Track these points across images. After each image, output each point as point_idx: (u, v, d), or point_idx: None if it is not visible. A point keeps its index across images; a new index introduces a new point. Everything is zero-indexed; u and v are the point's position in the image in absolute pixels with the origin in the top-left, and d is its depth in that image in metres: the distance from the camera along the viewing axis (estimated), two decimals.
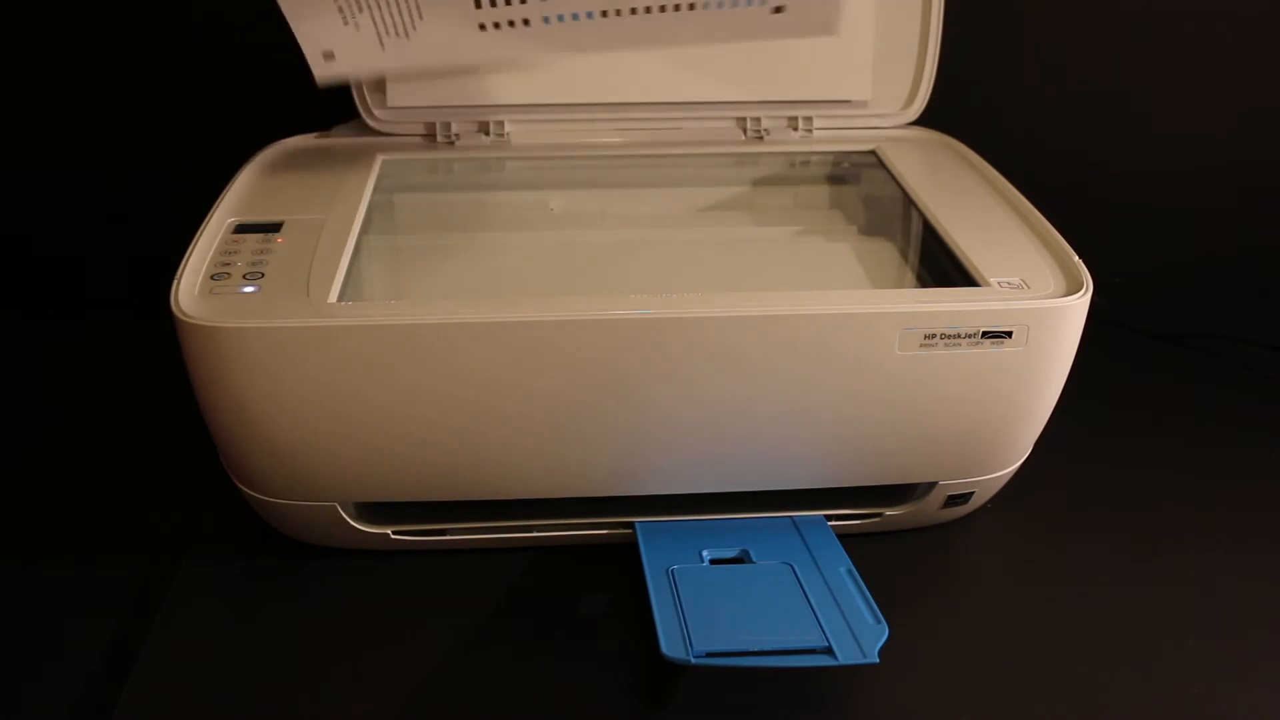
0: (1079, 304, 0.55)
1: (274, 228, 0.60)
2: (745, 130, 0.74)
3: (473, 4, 0.54)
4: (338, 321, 0.51)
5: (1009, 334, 0.54)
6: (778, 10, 0.53)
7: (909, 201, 0.62)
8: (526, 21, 0.54)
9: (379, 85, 0.70)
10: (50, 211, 0.94)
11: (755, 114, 0.75)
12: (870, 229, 0.58)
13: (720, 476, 0.59)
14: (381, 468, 0.56)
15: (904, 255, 0.56)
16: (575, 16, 0.53)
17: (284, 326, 0.51)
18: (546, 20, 0.54)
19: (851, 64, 0.74)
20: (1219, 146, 0.98)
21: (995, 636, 0.58)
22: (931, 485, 0.62)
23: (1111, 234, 0.95)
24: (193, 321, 0.52)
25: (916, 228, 0.59)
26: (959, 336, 0.54)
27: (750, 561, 0.58)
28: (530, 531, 0.62)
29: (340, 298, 0.54)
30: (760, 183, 0.66)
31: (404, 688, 0.53)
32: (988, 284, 0.56)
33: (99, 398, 0.79)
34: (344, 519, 0.59)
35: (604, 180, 0.67)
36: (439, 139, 0.71)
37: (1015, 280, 0.56)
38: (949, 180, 0.65)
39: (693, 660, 0.49)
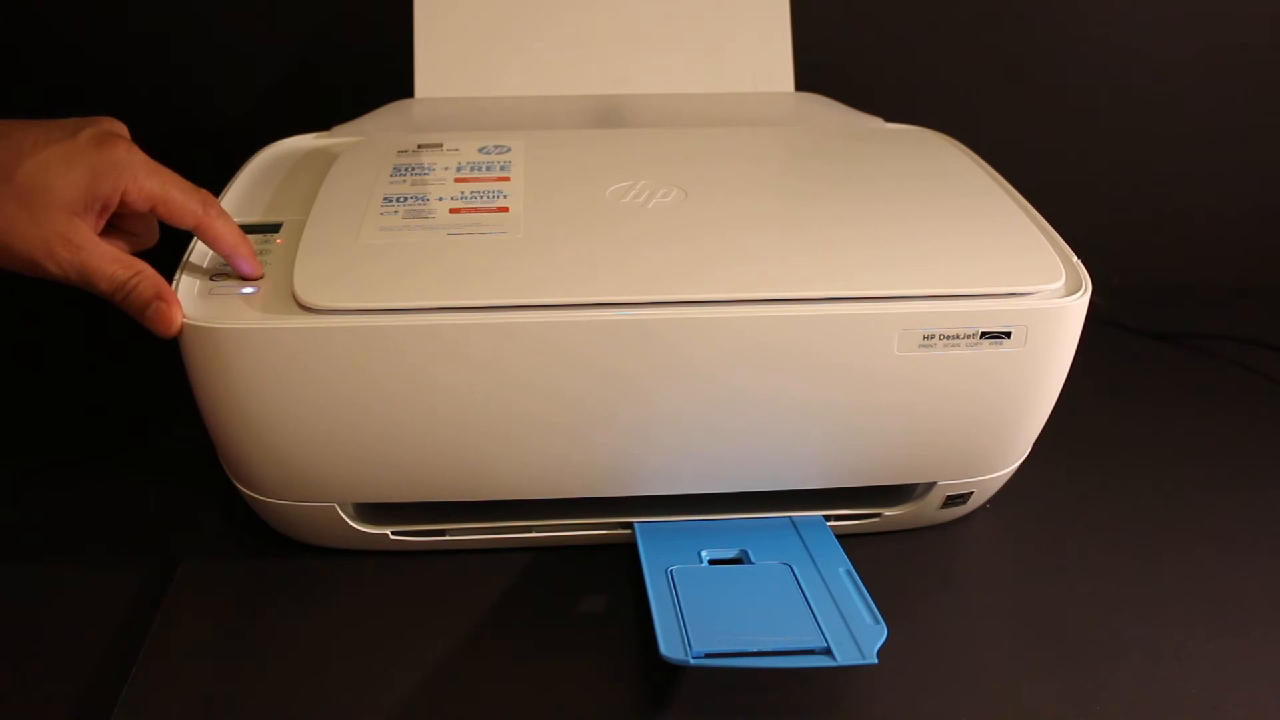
0: (1078, 304, 0.55)
1: (273, 228, 0.60)
2: None
3: None
4: (337, 323, 0.52)
5: (1008, 334, 0.54)
6: None
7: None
8: None
9: None
10: None
11: None
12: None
13: (719, 477, 0.59)
14: (380, 468, 0.56)
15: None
16: None
17: (283, 328, 0.52)
18: None
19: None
20: (1219, 147, 0.98)
21: (994, 636, 0.58)
22: (931, 485, 0.62)
23: (1111, 234, 0.95)
24: (192, 322, 0.52)
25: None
26: (958, 337, 0.54)
27: (749, 562, 0.58)
28: (530, 531, 0.62)
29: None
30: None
31: (404, 688, 0.53)
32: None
33: (98, 397, 0.79)
34: (343, 519, 0.59)
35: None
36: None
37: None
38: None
39: (691, 661, 0.49)
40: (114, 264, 0.52)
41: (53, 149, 0.50)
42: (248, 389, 0.53)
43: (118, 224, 0.54)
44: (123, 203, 0.52)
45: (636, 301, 0.53)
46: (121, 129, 0.54)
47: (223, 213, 0.55)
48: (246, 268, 0.55)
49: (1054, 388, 0.58)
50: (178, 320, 0.52)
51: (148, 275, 0.53)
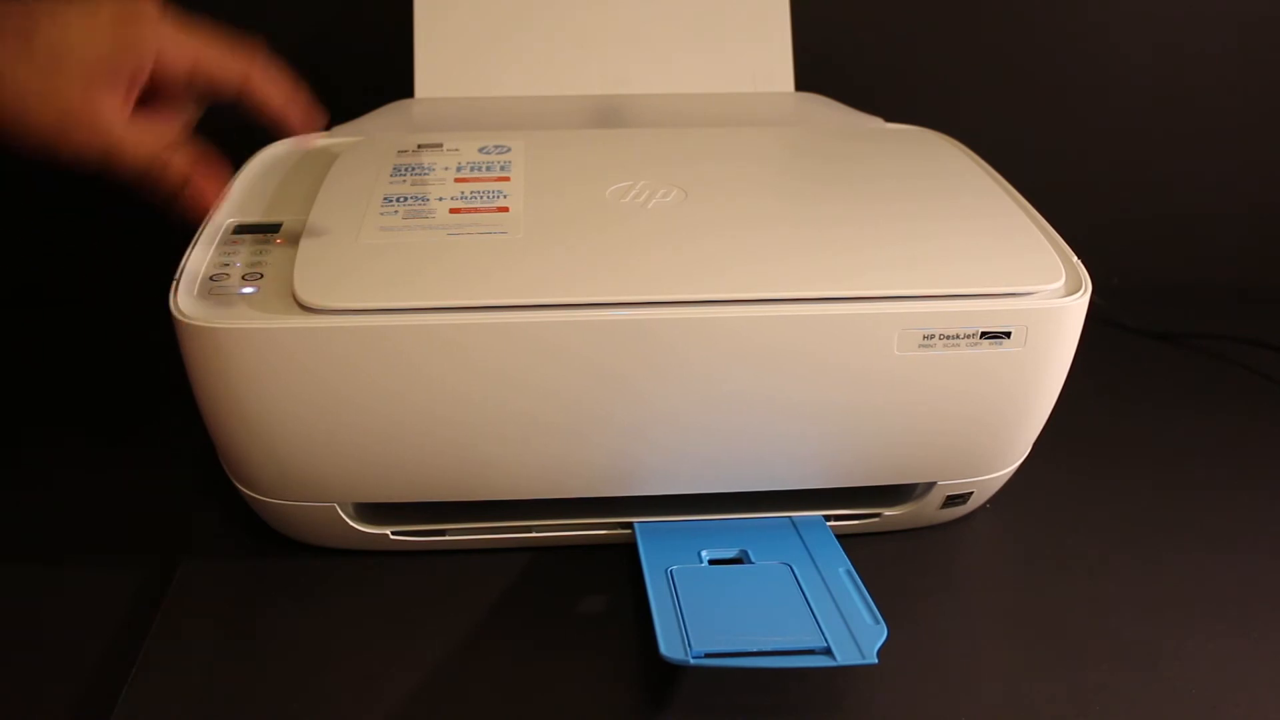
0: (1078, 304, 0.55)
1: (273, 228, 0.60)
2: None
3: None
4: (337, 323, 0.52)
5: (1008, 334, 0.54)
6: None
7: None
8: None
9: None
10: (50, 210, 0.94)
11: None
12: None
13: (719, 477, 0.59)
14: (380, 468, 0.56)
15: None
16: None
17: (283, 328, 0.52)
18: None
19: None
20: (1219, 147, 0.98)
21: (995, 636, 0.58)
22: (930, 485, 0.62)
23: (1111, 234, 0.95)
24: (191, 322, 0.52)
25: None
26: (958, 336, 0.54)
27: (749, 562, 0.58)
28: (530, 531, 0.62)
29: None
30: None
31: (404, 688, 0.53)
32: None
33: (98, 397, 0.79)
34: (343, 519, 0.59)
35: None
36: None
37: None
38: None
39: (691, 661, 0.49)
40: (142, 141, 0.45)
41: (74, 9, 0.44)
42: (248, 389, 0.53)
43: (149, 104, 0.48)
44: (158, 68, 0.45)
45: (637, 302, 0.53)
46: None
47: (271, 66, 0.48)
48: (300, 124, 0.50)
49: (1054, 388, 0.58)
50: (211, 198, 0.46)
51: (182, 150, 0.46)
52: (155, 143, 0.45)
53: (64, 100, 0.43)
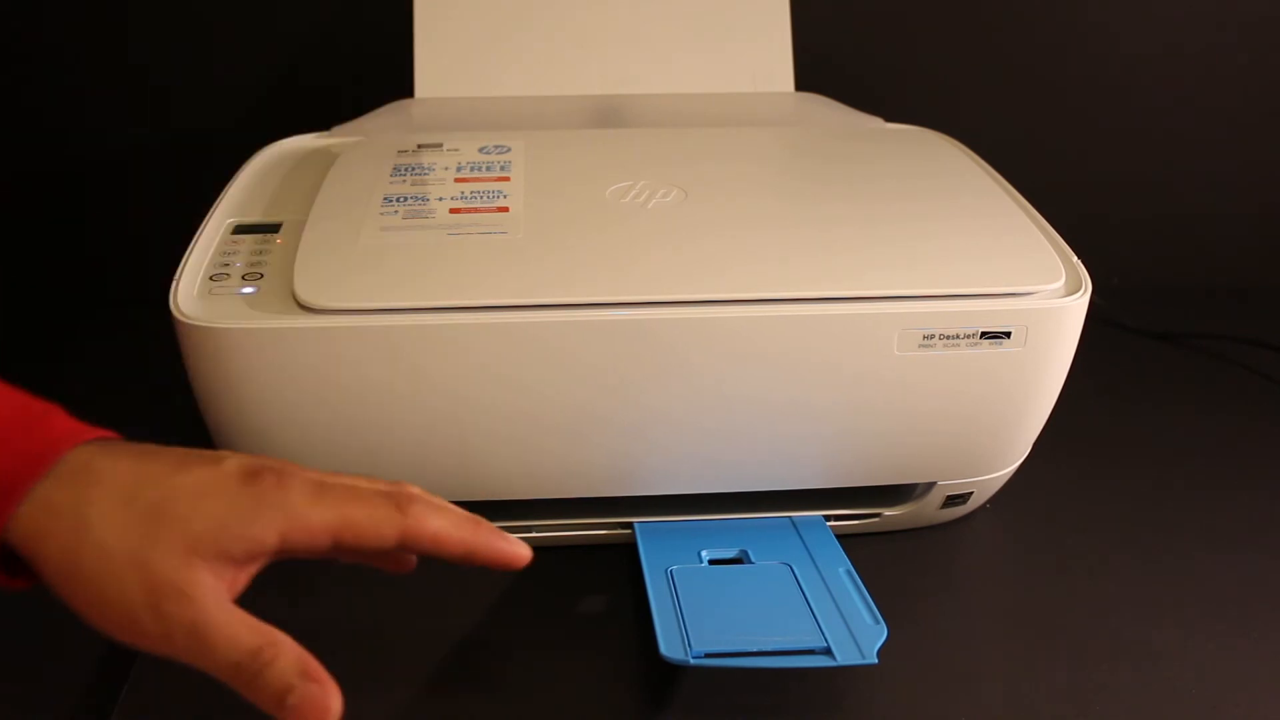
0: (1078, 304, 0.55)
1: (273, 228, 0.60)
2: None
3: None
4: (337, 323, 0.52)
5: (1008, 334, 0.54)
6: None
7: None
8: None
9: None
10: (50, 211, 0.94)
11: None
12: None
13: (719, 477, 0.59)
14: (380, 468, 0.56)
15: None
16: None
17: (283, 328, 0.52)
18: None
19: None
20: (1219, 147, 0.98)
21: (994, 637, 0.58)
22: (930, 485, 0.62)
23: (1111, 234, 0.95)
24: (191, 322, 0.52)
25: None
26: (958, 337, 0.54)
27: (749, 562, 0.58)
28: (530, 531, 0.62)
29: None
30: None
31: (404, 688, 0.53)
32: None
33: (98, 397, 0.78)
34: None
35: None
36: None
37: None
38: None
39: (691, 661, 0.49)
40: (239, 626, 0.39)
41: (188, 474, 0.39)
42: (248, 389, 0.53)
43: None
44: (288, 549, 0.40)
45: (637, 302, 0.53)
46: (271, 460, 0.41)
47: (427, 502, 0.42)
48: (504, 547, 0.43)
49: (1054, 388, 0.58)
50: (336, 709, 0.39)
51: (287, 647, 0.39)
52: (257, 637, 0.39)
53: (156, 569, 0.37)
